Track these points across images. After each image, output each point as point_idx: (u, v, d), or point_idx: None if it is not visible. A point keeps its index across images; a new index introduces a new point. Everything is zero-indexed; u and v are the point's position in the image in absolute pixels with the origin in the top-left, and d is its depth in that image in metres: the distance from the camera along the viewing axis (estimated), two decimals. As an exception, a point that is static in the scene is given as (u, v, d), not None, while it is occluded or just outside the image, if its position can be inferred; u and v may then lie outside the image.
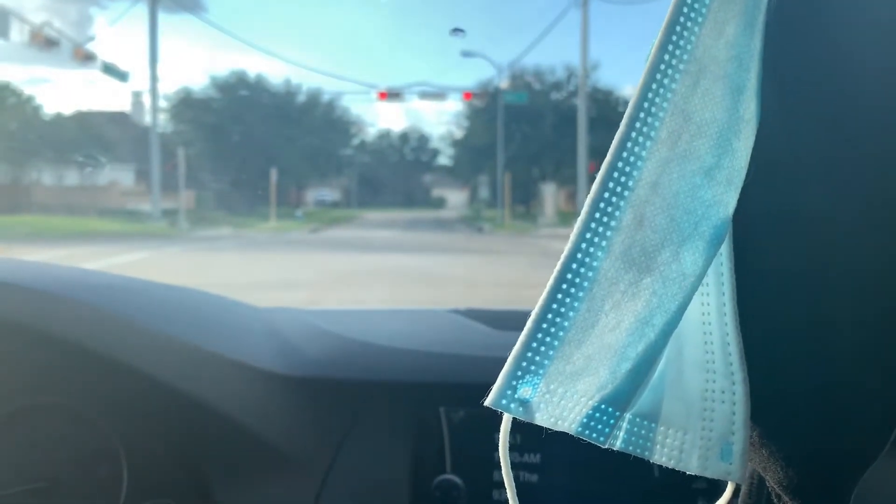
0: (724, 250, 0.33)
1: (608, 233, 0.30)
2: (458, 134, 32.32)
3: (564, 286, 0.30)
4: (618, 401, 0.30)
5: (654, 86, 0.30)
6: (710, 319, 0.34)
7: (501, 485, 0.80)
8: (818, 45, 0.32)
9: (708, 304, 0.34)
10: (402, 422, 0.81)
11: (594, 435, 0.30)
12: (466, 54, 20.08)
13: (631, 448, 0.33)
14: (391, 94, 20.46)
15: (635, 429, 0.33)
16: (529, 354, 0.30)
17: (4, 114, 21.09)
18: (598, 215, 0.30)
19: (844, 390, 0.33)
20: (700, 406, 0.33)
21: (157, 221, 15.23)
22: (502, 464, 0.33)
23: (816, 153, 0.32)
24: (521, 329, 0.30)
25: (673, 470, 0.33)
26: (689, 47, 0.30)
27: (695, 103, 0.30)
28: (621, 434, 0.33)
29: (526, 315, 0.30)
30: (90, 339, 0.76)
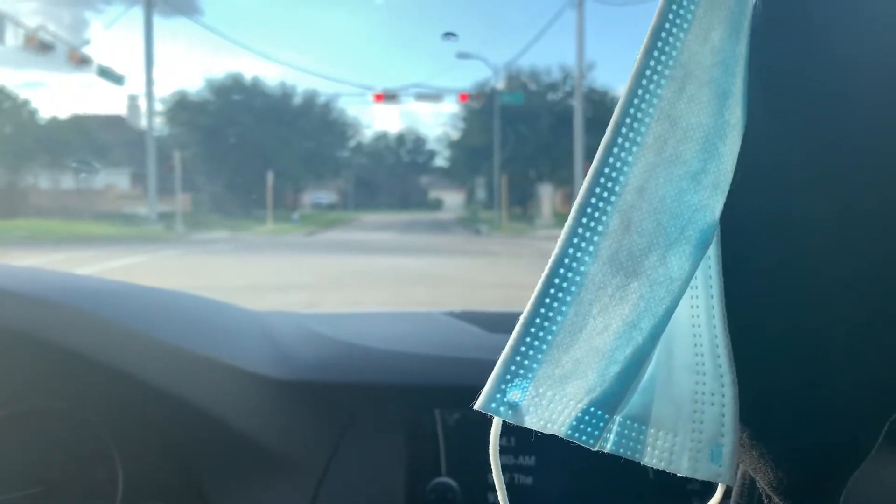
0: (712, 253, 0.33)
1: (595, 238, 0.30)
2: (455, 135, 32.35)
3: (552, 291, 0.30)
4: (607, 403, 0.30)
5: (640, 91, 0.30)
6: (699, 322, 0.34)
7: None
8: (803, 50, 0.32)
9: (697, 307, 0.34)
10: (397, 425, 0.81)
11: (584, 438, 0.30)
12: (462, 56, 20.09)
13: (621, 450, 0.33)
14: (387, 96, 20.47)
15: (625, 431, 0.34)
16: (518, 358, 0.30)
17: (0, 118, 21.05)
18: (585, 220, 0.30)
19: (833, 391, 0.33)
20: (690, 408, 0.34)
21: (154, 225, 15.22)
22: (493, 466, 0.33)
23: (802, 156, 0.32)
24: None
25: (666, 472, 0.34)
26: (674, 53, 0.31)
27: (681, 108, 0.31)
28: (611, 437, 0.33)
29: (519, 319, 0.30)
30: (84, 344, 0.76)
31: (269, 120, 28.49)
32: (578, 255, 0.30)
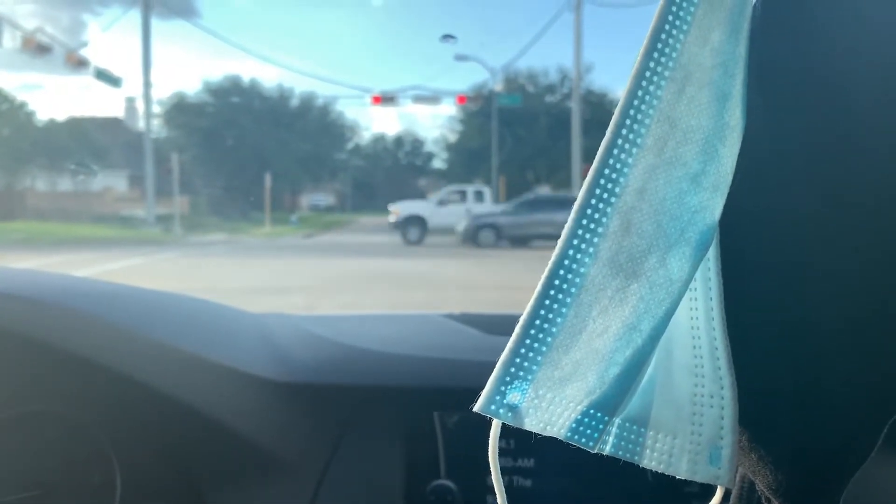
0: (712, 255, 0.33)
1: (595, 239, 0.30)
2: (453, 137, 32.40)
3: (552, 292, 0.30)
4: (606, 406, 0.30)
5: (639, 93, 0.30)
6: (699, 324, 0.34)
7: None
8: (803, 52, 0.32)
9: (696, 309, 0.34)
10: (396, 427, 0.81)
11: (583, 440, 0.30)
12: (460, 58, 20.13)
13: (620, 453, 0.33)
14: (385, 98, 20.47)
15: (625, 433, 0.33)
16: (518, 360, 0.30)
17: (-2, 120, 21.04)
18: (585, 222, 0.30)
19: (832, 394, 0.33)
20: (689, 410, 0.34)
21: (152, 227, 15.21)
22: (492, 469, 0.33)
23: (802, 158, 0.32)
24: None
25: (666, 474, 0.34)
26: (674, 54, 0.31)
27: (680, 110, 0.31)
28: (611, 439, 0.33)
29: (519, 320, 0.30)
30: (81, 346, 0.76)
31: (266, 122, 28.51)
32: (578, 256, 0.30)
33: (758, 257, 0.33)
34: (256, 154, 26.86)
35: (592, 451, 0.31)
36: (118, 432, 0.80)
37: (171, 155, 18.84)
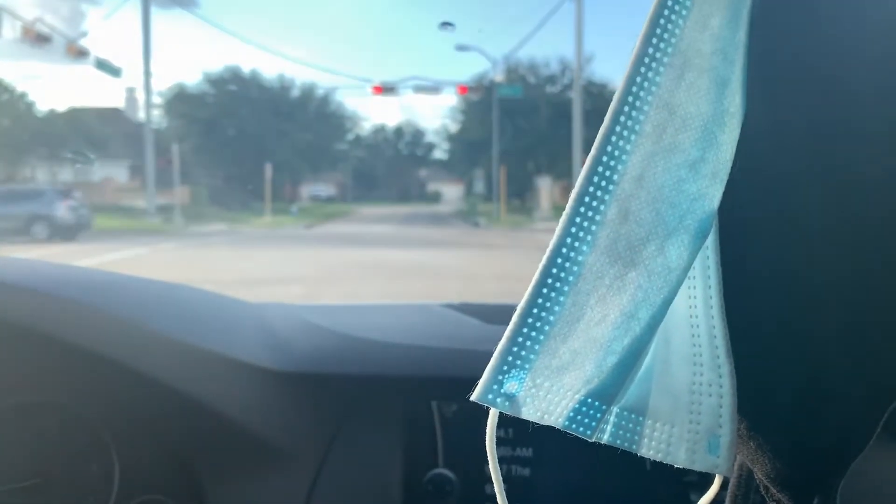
0: (711, 243, 0.33)
1: (593, 227, 0.30)
2: (453, 128, 32.37)
3: (549, 280, 0.30)
4: (604, 394, 0.30)
5: (638, 79, 0.30)
6: (697, 313, 0.34)
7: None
8: (803, 37, 0.32)
9: (695, 298, 0.34)
10: (395, 416, 0.81)
11: (581, 429, 0.30)
12: (461, 48, 20.03)
13: (618, 442, 0.33)
14: (386, 89, 20.40)
15: (623, 422, 0.33)
16: (515, 349, 0.30)
17: (-3, 110, 21.01)
18: (582, 209, 0.30)
19: (830, 383, 0.33)
20: (687, 399, 0.34)
21: (152, 218, 15.20)
22: (489, 458, 0.33)
23: (802, 145, 0.32)
24: None
25: (664, 463, 0.34)
26: (673, 40, 0.30)
27: (679, 97, 0.30)
28: (608, 428, 0.33)
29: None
30: (80, 336, 0.76)
31: (267, 112, 28.46)
32: (576, 244, 0.30)
33: (758, 247, 0.33)
34: (257, 144, 26.83)
35: (590, 440, 0.31)
36: (117, 422, 0.80)
37: (171, 145, 18.83)
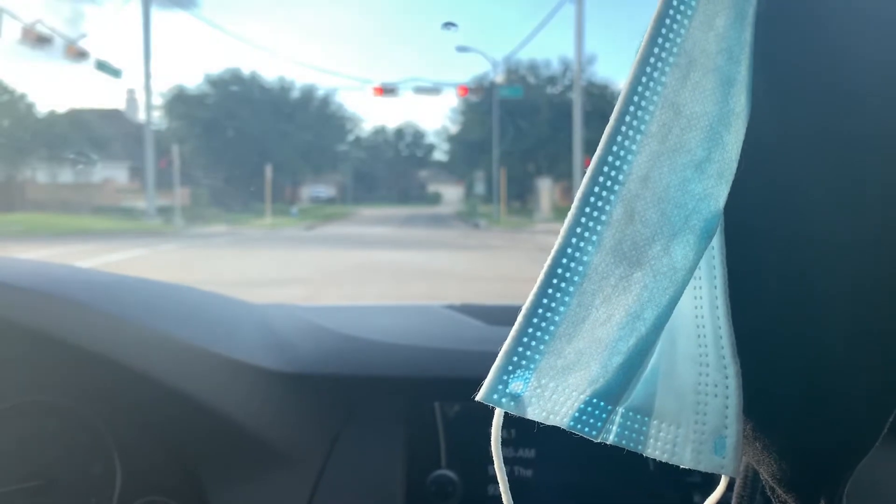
0: (716, 243, 0.33)
1: (598, 227, 0.30)
2: (454, 129, 32.37)
3: (555, 281, 0.30)
4: (609, 395, 0.30)
5: (643, 79, 0.30)
6: (703, 313, 0.34)
7: (497, 479, 0.80)
8: (808, 37, 0.32)
9: (700, 298, 0.34)
10: (397, 417, 0.81)
11: (586, 429, 0.30)
12: (461, 49, 20.06)
13: (624, 442, 0.33)
14: (386, 90, 20.38)
15: (628, 423, 0.33)
16: (520, 349, 0.30)
17: (-2, 111, 21.02)
18: (588, 210, 0.30)
19: (836, 383, 0.33)
20: (693, 400, 0.33)
21: (153, 219, 15.20)
22: (495, 459, 0.33)
23: (808, 145, 0.32)
24: None
25: (668, 464, 0.33)
26: (678, 40, 0.30)
27: (685, 96, 0.30)
28: (614, 428, 0.33)
29: (521, 310, 0.30)
30: (83, 336, 0.76)
31: (267, 113, 28.47)
32: (581, 244, 0.30)
33: (762, 246, 0.33)
34: (257, 145, 26.84)
35: (595, 441, 0.31)
36: (119, 422, 0.80)
37: (171, 146, 18.83)
